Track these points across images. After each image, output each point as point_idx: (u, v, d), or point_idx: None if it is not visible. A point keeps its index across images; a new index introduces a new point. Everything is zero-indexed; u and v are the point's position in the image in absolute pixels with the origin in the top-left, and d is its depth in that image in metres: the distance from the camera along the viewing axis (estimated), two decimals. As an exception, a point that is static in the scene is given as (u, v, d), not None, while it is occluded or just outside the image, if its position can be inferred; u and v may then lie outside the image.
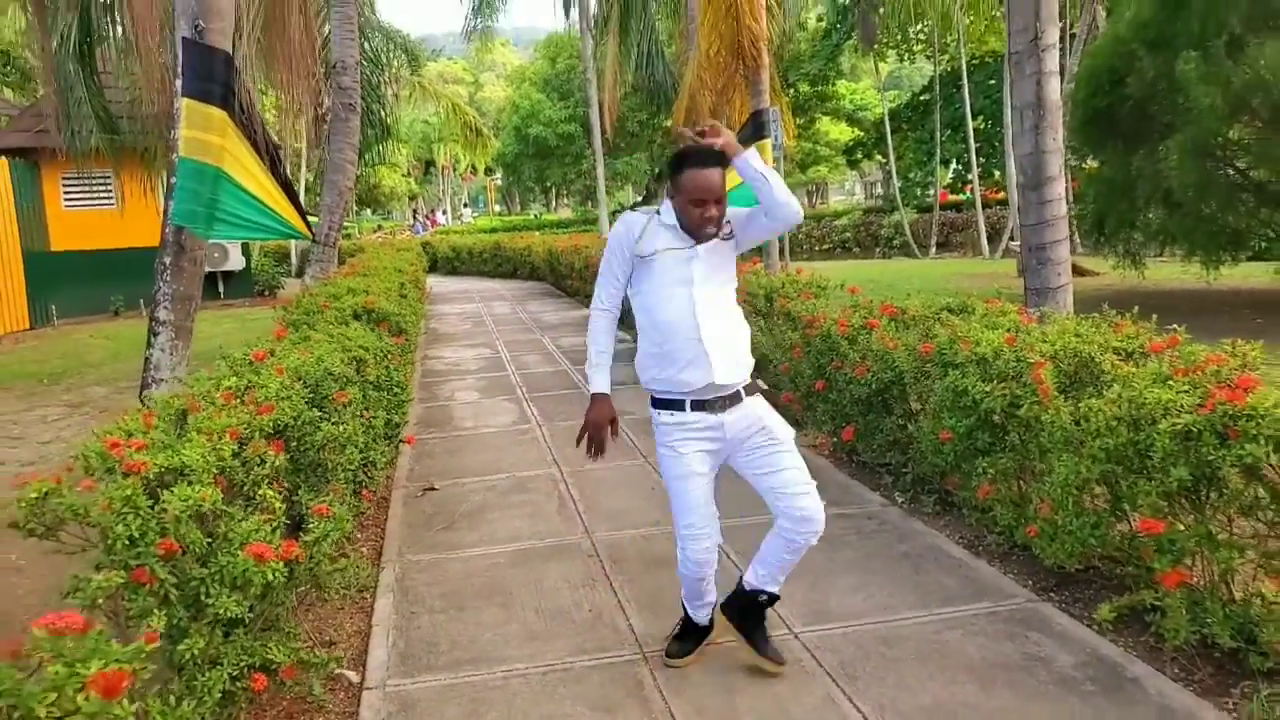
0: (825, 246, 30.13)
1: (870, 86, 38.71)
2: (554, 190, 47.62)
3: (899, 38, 29.84)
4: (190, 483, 2.54)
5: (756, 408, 2.88)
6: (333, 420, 3.53)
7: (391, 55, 15.44)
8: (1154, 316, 3.74)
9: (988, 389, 3.60)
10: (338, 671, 3.22)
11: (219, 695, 2.52)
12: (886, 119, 27.46)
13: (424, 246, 23.62)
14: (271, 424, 3.14)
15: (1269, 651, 2.73)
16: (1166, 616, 2.85)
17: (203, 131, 4.91)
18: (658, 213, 2.90)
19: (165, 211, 5.04)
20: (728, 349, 2.81)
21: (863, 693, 2.94)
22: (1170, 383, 2.93)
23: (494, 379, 8.77)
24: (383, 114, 11.75)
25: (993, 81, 26.18)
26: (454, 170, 48.40)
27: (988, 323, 4.12)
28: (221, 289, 17.05)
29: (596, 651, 3.28)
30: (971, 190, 25.92)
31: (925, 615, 3.44)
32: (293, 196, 6.83)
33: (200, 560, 2.50)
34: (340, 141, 9.63)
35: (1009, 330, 3.85)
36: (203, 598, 2.44)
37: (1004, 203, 23.99)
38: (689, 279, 2.78)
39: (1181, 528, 2.87)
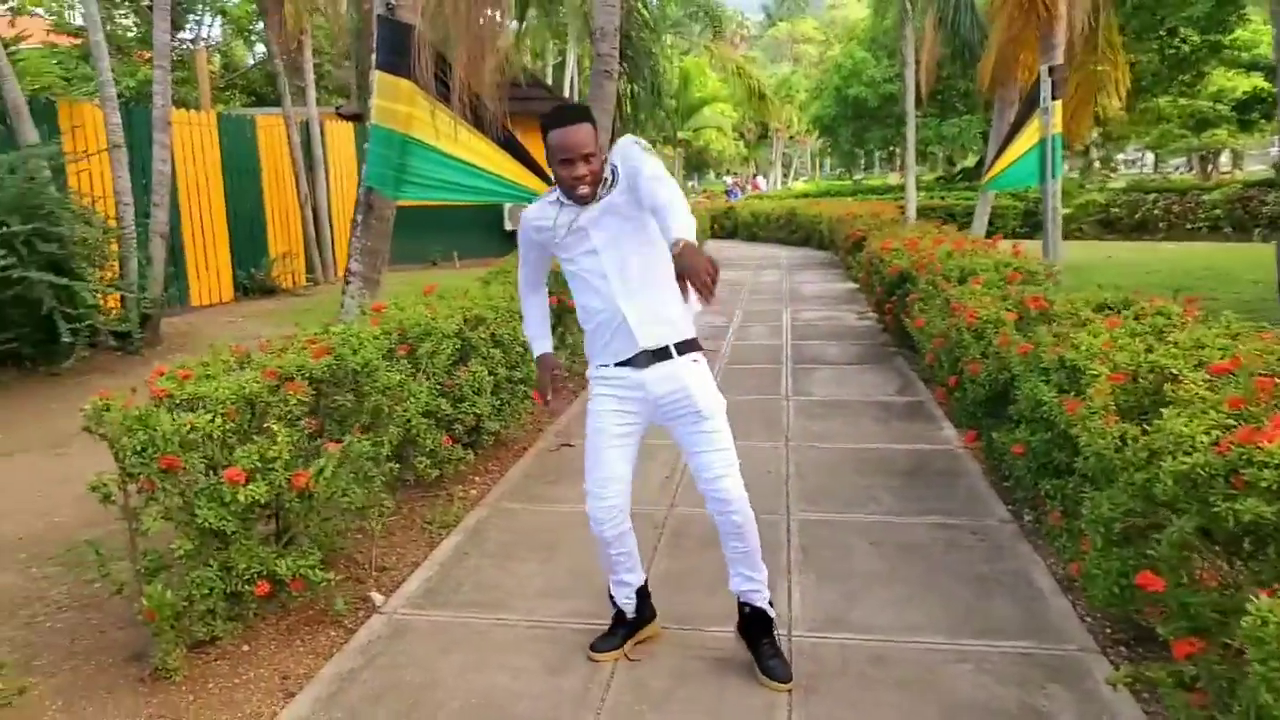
0: (1190, 225, 25.95)
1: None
2: (892, 154, 45.68)
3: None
4: (205, 410, 3.00)
5: (684, 372, 2.73)
6: (399, 370, 3.90)
7: (693, 19, 15.71)
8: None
9: (1057, 400, 3.10)
10: (370, 593, 3.62)
11: (209, 591, 2.98)
12: (1280, 71, 22.86)
13: (726, 213, 23.92)
14: (325, 367, 3.56)
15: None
16: (1169, 695, 2.34)
17: (391, 101, 5.52)
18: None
19: (360, 175, 5.75)
20: (649, 314, 2.71)
21: (809, 707, 2.75)
22: (1213, 412, 2.34)
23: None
24: (653, 80, 12.08)
25: None
26: (786, 133, 48.35)
27: (1124, 327, 3.48)
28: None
29: (590, 616, 3.33)
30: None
31: (945, 643, 3.09)
32: (523, 158, 7.33)
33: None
34: (596, 108, 10.10)
35: (1111, 337, 3.25)
36: (194, 509, 2.90)
37: None
38: (593, 251, 2.72)
39: (1196, 587, 2.32)
